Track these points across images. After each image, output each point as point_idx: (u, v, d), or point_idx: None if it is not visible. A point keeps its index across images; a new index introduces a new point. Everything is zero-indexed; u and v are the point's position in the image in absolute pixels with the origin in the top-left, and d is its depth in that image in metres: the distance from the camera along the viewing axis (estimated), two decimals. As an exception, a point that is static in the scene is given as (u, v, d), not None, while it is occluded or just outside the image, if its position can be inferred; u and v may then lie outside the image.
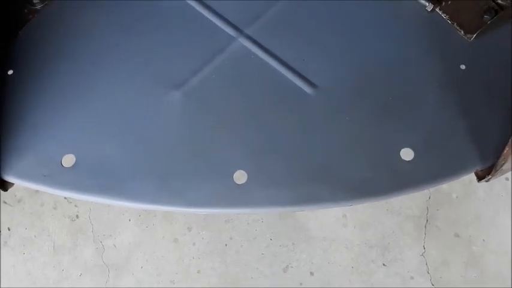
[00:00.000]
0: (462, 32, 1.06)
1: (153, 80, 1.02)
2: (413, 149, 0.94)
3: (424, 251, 1.47)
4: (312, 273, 1.45)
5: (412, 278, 1.44)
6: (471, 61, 1.03)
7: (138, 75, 1.02)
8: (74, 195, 0.90)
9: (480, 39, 1.05)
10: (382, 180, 0.91)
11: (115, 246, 1.49)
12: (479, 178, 0.94)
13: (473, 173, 0.94)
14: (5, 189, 0.90)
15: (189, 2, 1.11)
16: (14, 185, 0.93)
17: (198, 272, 1.45)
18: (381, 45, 1.06)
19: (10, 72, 1.01)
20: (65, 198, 1.53)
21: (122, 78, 1.02)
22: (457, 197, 1.54)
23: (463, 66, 1.02)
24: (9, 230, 1.51)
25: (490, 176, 0.91)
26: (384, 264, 1.45)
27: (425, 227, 1.50)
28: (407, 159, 0.93)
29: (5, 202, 1.54)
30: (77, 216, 1.53)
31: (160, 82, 1.01)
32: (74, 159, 0.92)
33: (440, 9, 1.08)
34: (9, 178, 0.90)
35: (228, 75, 1.03)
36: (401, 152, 0.93)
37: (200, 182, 0.91)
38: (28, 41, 1.05)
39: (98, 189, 0.90)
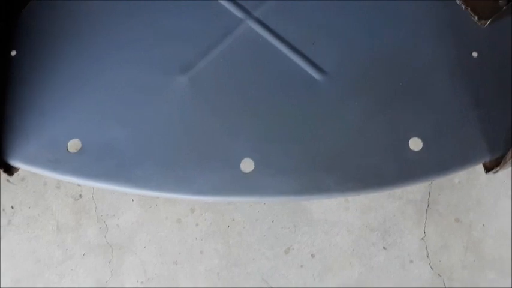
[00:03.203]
0: (476, 18, 1.03)
1: (159, 64, 0.99)
2: (422, 139, 0.93)
3: (424, 235, 1.48)
4: (313, 255, 1.46)
5: (411, 261, 1.45)
6: (484, 48, 1.00)
7: (144, 59, 1.00)
8: (79, 181, 0.89)
9: (494, 25, 1.02)
10: (390, 170, 0.90)
11: (118, 226, 1.50)
12: (487, 169, 0.93)
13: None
14: (11, 174, 0.90)
15: None
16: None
17: (201, 252, 1.47)
18: (392, 30, 1.03)
19: (13, 53, 0.98)
20: (67, 178, 1.53)
21: (128, 63, 1.00)
22: (459, 182, 1.54)
23: (475, 54, 1.00)
24: (12, 208, 1.51)
25: (498, 168, 0.90)
26: (384, 248, 1.47)
27: (426, 211, 1.51)
28: (416, 149, 0.92)
29: (8, 181, 1.54)
30: (80, 196, 1.53)
31: (167, 66, 0.99)
32: (80, 144, 0.91)
33: (453, -7, 1.05)
34: (14, 163, 0.89)
35: (235, 59, 1.01)
36: (410, 142, 0.93)
37: (207, 170, 0.90)
38: (31, 20, 1.01)
39: (103, 175, 0.89)
